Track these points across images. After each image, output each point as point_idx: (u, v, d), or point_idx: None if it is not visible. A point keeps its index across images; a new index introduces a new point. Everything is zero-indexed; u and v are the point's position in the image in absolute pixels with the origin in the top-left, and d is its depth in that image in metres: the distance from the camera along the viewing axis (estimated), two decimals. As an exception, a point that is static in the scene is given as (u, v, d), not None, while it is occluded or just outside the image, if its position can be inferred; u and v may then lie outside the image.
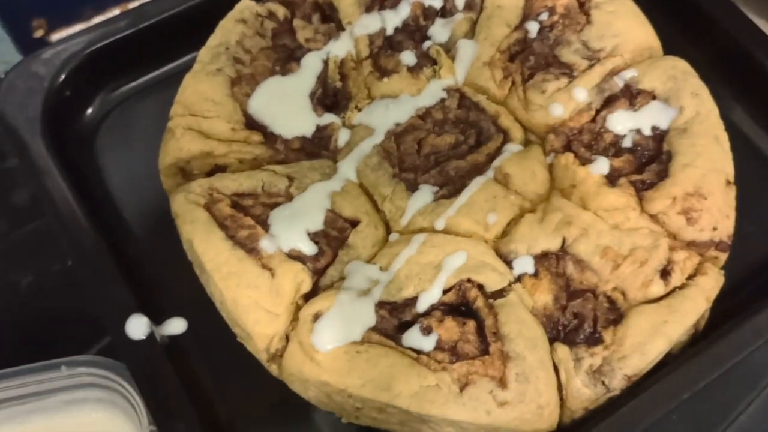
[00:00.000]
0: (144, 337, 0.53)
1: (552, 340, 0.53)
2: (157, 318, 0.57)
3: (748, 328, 0.54)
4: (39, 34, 0.80)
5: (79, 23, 0.80)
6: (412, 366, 0.50)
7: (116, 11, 0.80)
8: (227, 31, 0.64)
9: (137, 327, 0.53)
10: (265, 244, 0.55)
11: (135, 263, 0.61)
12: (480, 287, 0.53)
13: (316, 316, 0.52)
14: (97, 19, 0.79)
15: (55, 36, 0.80)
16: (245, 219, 0.56)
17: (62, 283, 0.65)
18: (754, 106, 0.68)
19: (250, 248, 0.55)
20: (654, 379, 0.51)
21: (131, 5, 0.79)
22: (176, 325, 0.58)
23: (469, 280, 0.53)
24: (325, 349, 0.51)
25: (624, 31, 0.64)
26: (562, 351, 0.52)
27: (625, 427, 0.50)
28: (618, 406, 0.51)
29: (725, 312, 0.56)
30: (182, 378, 0.53)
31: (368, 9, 0.67)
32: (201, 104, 0.61)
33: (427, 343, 0.51)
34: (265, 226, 0.56)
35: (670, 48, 0.66)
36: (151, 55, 0.69)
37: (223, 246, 0.54)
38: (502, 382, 0.49)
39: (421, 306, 0.53)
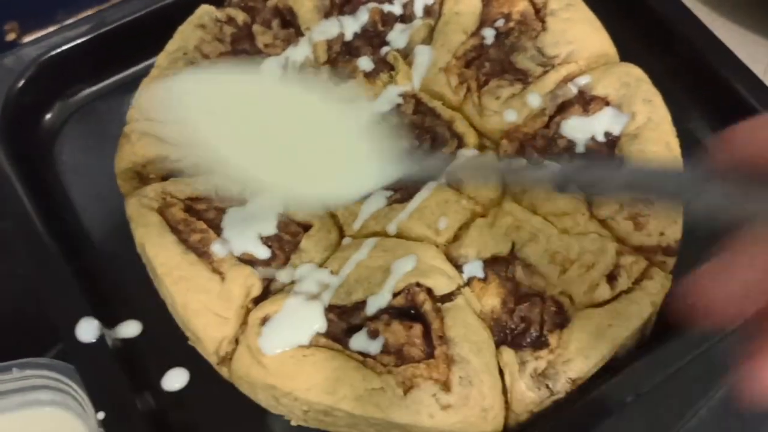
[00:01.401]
0: (94, 340, 0.54)
1: (499, 344, 0.53)
2: (113, 321, 0.58)
3: (694, 333, 0.54)
4: (11, 37, 0.80)
5: (51, 26, 0.80)
6: (357, 369, 0.50)
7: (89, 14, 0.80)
8: (186, 36, 0.65)
9: (87, 330, 0.54)
10: (217, 248, 0.55)
11: (93, 267, 0.61)
12: (429, 291, 0.54)
13: (264, 320, 0.53)
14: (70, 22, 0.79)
15: (28, 39, 0.80)
16: (198, 223, 0.56)
17: (25, 287, 0.65)
18: (710, 114, 0.67)
19: (202, 252, 0.55)
20: (598, 383, 0.52)
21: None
22: (130, 328, 0.58)
23: (418, 284, 0.54)
24: (273, 352, 0.51)
25: (579, 38, 0.64)
26: (508, 355, 0.52)
27: (570, 430, 0.51)
28: (562, 410, 0.51)
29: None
30: (133, 380, 0.54)
31: (327, 15, 0.67)
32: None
33: (374, 347, 0.51)
34: (218, 230, 0.56)
35: (627, 55, 0.66)
36: (111, 60, 0.69)
37: (175, 250, 0.55)
38: (445, 386, 0.50)
39: (370, 310, 0.53)
